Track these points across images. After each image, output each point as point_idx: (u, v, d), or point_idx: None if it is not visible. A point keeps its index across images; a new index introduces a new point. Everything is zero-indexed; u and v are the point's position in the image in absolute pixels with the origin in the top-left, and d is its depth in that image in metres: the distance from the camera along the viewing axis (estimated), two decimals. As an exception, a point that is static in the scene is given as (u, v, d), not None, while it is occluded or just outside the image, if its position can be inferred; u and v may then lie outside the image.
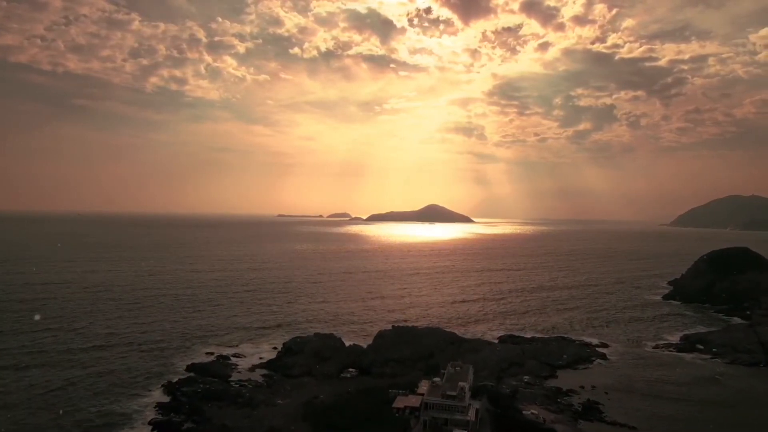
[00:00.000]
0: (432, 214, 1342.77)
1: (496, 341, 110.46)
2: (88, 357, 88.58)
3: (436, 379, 70.03)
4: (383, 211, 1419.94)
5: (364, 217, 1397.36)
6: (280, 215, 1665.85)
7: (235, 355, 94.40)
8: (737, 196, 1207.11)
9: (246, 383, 79.59)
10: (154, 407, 69.44)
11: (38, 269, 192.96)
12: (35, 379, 77.36)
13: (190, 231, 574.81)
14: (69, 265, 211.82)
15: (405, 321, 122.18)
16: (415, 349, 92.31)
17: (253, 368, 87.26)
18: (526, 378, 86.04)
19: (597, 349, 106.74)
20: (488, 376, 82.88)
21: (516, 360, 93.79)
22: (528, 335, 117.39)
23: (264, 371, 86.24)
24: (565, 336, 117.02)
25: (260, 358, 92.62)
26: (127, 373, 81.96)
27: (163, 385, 76.91)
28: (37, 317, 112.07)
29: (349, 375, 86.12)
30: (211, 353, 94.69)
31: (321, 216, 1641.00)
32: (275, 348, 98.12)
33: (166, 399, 72.46)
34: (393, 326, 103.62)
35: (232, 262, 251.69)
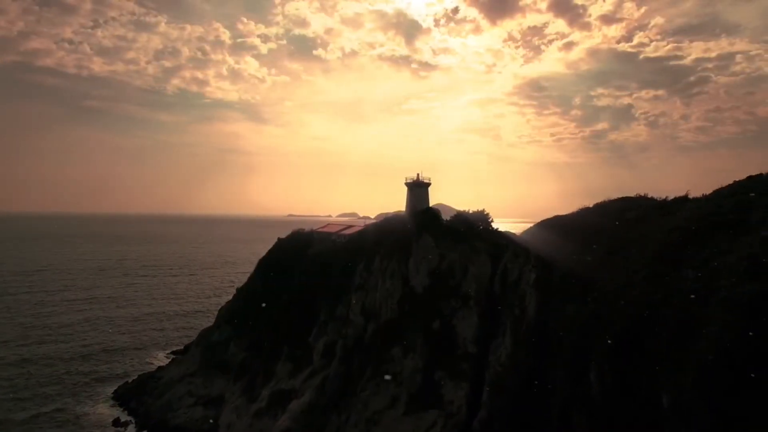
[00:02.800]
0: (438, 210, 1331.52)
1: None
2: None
3: None
4: (392, 210, 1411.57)
5: (373, 216, 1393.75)
6: (290, 215, 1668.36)
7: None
8: None
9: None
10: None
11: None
12: None
13: (199, 230, 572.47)
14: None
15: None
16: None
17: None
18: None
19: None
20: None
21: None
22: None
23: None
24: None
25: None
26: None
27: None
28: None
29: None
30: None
31: (330, 215, 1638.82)
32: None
33: None
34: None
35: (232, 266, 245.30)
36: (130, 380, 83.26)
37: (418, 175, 61.14)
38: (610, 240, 37.46)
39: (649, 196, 42.52)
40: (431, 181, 62.23)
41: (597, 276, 35.56)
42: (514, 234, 64.31)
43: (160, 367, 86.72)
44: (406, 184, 61.50)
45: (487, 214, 70.15)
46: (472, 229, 58.61)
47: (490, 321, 47.46)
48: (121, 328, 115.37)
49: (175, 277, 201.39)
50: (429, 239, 52.64)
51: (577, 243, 40.85)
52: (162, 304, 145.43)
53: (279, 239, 78.48)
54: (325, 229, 72.41)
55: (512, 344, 42.30)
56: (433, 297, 49.73)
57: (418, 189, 60.56)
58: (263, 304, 68.19)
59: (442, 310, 48.98)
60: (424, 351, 46.87)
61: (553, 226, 47.11)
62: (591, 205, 47.23)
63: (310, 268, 64.11)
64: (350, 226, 71.13)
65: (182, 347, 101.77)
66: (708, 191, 35.58)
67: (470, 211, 70.17)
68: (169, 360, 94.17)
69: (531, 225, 54.79)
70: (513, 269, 48.32)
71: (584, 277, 36.84)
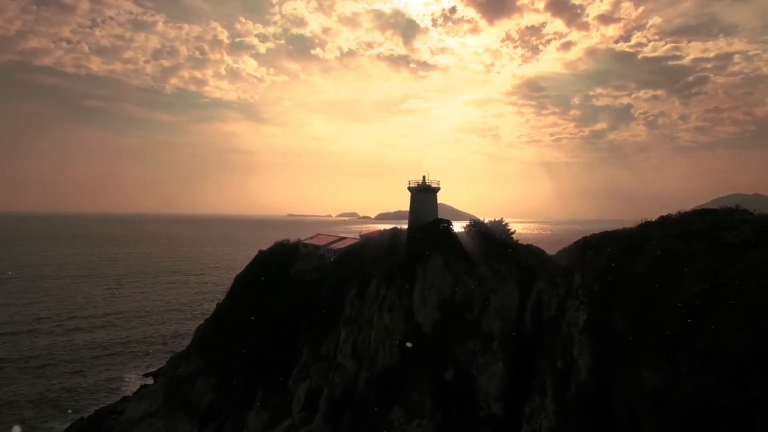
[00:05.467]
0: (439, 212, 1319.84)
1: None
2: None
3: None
4: (392, 210, 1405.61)
5: (373, 216, 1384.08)
6: (289, 215, 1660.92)
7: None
8: (739, 194, 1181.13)
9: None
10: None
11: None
12: None
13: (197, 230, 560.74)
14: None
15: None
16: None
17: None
18: None
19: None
20: None
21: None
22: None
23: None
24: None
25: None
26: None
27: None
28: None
29: None
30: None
31: (330, 215, 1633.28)
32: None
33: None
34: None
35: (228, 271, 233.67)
36: (87, 415, 72.11)
37: (424, 177, 49.62)
38: (704, 275, 25.95)
39: (743, 208, 31.11)
40: (440, 185, 50.68)
41: (692, 330, 24.05)
42: (541, 250, 52.81)
43: (125, 398, 75.48)
44: (410, 188, 50.01)
45: (506, 224, 58.70)
46: (493, 245, 47.17)
47: (520, 371, 36.07)
48: (93, 345, 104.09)
49: (166, 284, 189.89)
50: (439, 260, 41.19)
51: (646, 275, 29.33)
52: (146, 316, 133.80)
53: (260, 252, 67.12)
54: (313, 241, 61.03)
55: (556, 411, 30.84)
56: (446, 337, 38.31)
57: (424, 195, 49.05)
58: (237, 333, 56.85)
59: (456, 354, 37.55)
60: (435, 412, 35.41)
61: (602, 247, 35.56)
62: (653, 219, 35.69)
63: (292, 290, 52.71)
64: (342, 238, 59.68)
65: (157, 369, 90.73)
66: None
67: (486, 221, 58.70)
68: (142, 383, 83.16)
69: (566, 245, 43.22)
70: (550, 302, 36.87)
71: (669, 328, 25.33)
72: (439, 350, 37.85)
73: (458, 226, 55.11)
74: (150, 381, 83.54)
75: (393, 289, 40.46)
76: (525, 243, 58.41)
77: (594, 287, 32.48)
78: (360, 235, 62.79)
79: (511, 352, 37.47)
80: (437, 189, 49.98)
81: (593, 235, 39.50)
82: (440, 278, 40.21)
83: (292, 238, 72.98)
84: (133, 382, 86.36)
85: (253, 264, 64.22)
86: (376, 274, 42.79)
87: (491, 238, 50.49)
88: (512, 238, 56.73)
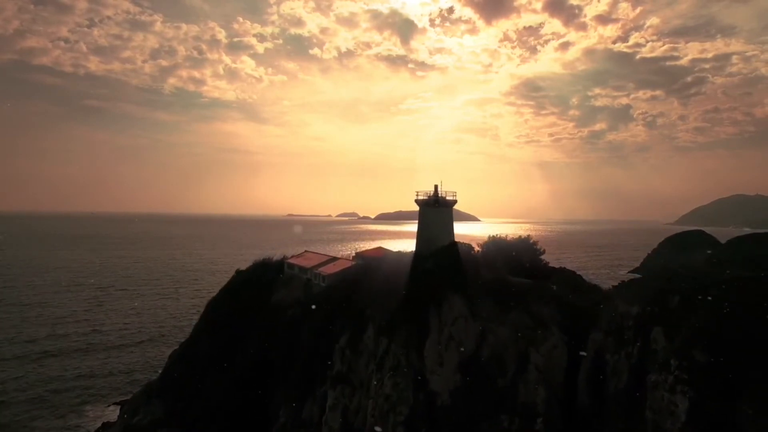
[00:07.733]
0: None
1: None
2: None
3: None
4: (391, 210, 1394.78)
5: (373, 216, 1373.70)
6: (289, 215, 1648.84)
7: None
8: (741, 195, 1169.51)
9: None
10: None
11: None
12: None
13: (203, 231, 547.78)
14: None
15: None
16: None
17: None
18: None
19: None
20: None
21: None
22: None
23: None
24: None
25: None
26: None
27: None
28: None
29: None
30: None
31: (330, 216, 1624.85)
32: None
33: None
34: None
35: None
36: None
37: (436, 187, 38.74)
38: None
39: None
40: (456, 197, 39.83)
41: None
42: (579, 277, 42.17)
43: (81, 441, 64.86)
44: (418, 201, 39.35)
45: (534, 242, 48.09)
46: (524, 273, 36.54)
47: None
48: (60, 376, 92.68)
49: (155, 294, 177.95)
50: (458, 302, 30.61)
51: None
52: (127, 335, 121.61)
53: (237, 272, 56.58)
54: (299, 261, 50.42)
55: None
56: (470, 410, 27.77)
57: (436, 211, 38.31)
58: (205, 375, 46.29)
59: (486, 437, 26.97)
60: None
61: (697, 293, 24.94)
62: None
63: (269, 328, 42.10)
64: (333, 259, 49.02)
65: (130, 396, 79.99)
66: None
67: (507, 237, 48.07)
68: (104, 421, 72.53)
69: (628, 269, 32.63)
70: (617, 366, 26.32)
71: None
72: (462, 430, 27.28)
73: (462, 229, 45.09)
74: (117, 412, 73.11)
75: (397, 341, 29.88)
76: (558, 266, 47.99)
77: (697, 357, 21.91)
78: (356, 254, 52.23)
79: (561, 434, 26.96)
80: (453, 202, 39.16)
81: (669, 272, 28.88)
82: (461, 327, 29.64)
83: (288, 242, 62.38)
84: (97, 414, 75.72)
85: (227, 289, 53.57)
86: (374, 318, 32.22)
87: (519, 262, 39.98)
88: (542, 260, 46.24)
